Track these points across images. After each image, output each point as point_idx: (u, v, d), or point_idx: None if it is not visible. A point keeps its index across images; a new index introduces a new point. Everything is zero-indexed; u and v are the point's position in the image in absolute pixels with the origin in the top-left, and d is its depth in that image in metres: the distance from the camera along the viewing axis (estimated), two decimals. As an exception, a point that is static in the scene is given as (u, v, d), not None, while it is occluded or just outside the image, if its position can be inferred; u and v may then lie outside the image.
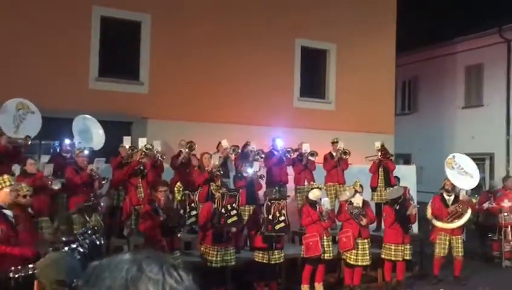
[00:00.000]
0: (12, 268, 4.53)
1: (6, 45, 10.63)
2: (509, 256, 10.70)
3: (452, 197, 9.46)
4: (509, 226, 10.57)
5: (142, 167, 8.46)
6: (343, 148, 10.20)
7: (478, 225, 11.62)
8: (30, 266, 4.33)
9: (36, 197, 6.24)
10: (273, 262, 7.96)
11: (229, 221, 7.59)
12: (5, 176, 5.54)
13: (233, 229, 7.80)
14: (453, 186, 9.60)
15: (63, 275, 2.91)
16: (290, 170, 10.10)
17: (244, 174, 9.01)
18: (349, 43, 14.41)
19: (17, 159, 7.99)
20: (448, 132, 18.54)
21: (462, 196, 9.44)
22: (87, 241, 5.59)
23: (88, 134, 9.32)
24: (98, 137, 9.41)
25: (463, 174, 9.83)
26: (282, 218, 7.93)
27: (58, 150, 8.99)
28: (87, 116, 9.50)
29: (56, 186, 7.48)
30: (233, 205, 7.68)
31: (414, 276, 9.78)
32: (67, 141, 8.79)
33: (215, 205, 7.75)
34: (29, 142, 8.23)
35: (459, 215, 9.23)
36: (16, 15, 10.80)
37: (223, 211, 7.59)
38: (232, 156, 9.56)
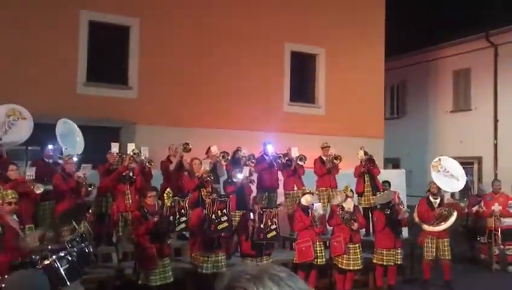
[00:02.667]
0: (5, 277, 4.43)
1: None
2: (498, 259, 10.75)
3: (438, 200, 9.51)
4: (499, 230, 10.63)
5: (131, 173, 8.35)
6: (334, 153, 10.19)
7: (467, 228, 11.68)
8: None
9: (20, 203, 6.11)
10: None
11: (219, 227, 7.52)
12: None
13: (223, 234, 7.72)
14: (439, 189, 9.65)
15: None
16: (280, 175, 10.06)
17: (234, 180, 8.95)
18: (338, 48, 14.45)
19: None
20: (437, 135, 18.67)
21: (447, 199, 9.49)
22: (76, 249, 5.49)
23: (71, 138, 9.16)
24: (78, 142, 9.26)
25: (449, 177, 9.88)
26: (274, 226, 7.88)
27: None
28: (68, 120, 9.34)
29: (38, 190, 7.35)
30: (224, 211, 7.60)
31: (405, 280, 9.78)
32: (50, 146, 8.64)
33: (206, 211, 7.68)
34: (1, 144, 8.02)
35: (445, 218, 9.27)
36: (2, 19, 10.65)
37: (213, 217, 7.52)
38: (222, 162, 9.49)
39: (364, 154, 10.29)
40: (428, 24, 18.54)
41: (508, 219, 10.72)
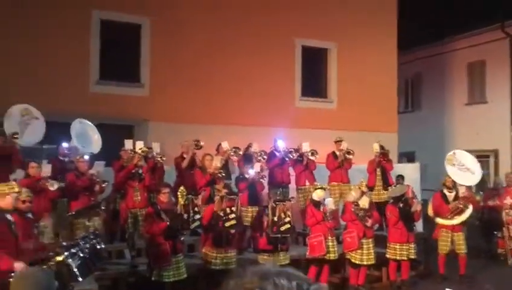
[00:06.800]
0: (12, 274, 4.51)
1: (6, 48, 10.62)
2: (514, 254, 10.58)
3: (453, 194, 9.43)
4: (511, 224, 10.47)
5: (139, 171, 8.42)
6: (346, 148, 10.15)
7: (483, 222, 11.54)
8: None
9: (36, 200, 6.21)
10: (278, 264, 7.91)
11: (227, 224, 7.52)
12: (13, 183, 5.54)
13: (232, 231, 7.73)
14: (454, 183, 9.56)
15: None
16: (291, 171, 10.04)
17: (246, 176, 8.97)
18: (350, 41, 14.34)
19: (17, 161, 7.94)
20: (452, 129, 18.44)
21: (462, 192, 9.39)
22: (88, 245, 5.56)
23: (87, 137, 9.28)
24: (95, 141, 9.37)
25: (464, 171, 9.79)
26: (288, 219, 7.90)
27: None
28: (83, 120, 9.46)
29: (52, 187, 7.46)
30: (232, 208, 7.61)
31: (419, 275, 9.71)
32: (64, 145, 8.75)
33: (215, 208, 7.71)
34: (15, 139, 8.11)
35: (460, 212, 9.18)
36: (16, 18, 10.79)
37: (221, 214, 7.54)
38: (234, 158, 9.50)
39: (380, 148, 10.22)
40: (442, 16, 18.30)
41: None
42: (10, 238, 5.21)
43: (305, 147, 9.86)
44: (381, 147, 10.28)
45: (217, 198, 7.75)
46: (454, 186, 9.54)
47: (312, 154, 9.79)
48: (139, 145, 8.73)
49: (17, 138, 8.08)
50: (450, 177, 9.55)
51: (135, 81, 12.22)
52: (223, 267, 7.55)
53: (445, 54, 19.08)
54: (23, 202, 5.83)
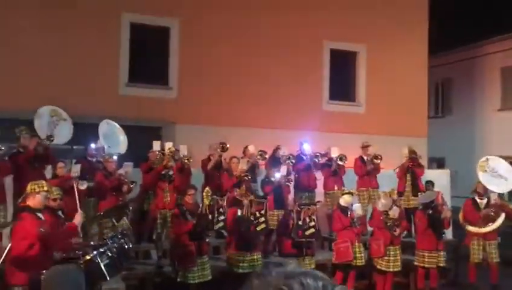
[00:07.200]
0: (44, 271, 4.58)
1: (37, 51, 10.87)
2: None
3: (485, 201, 9.18)
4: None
5: (169, 172, 8.49)
6: (374, 153, 10.01)
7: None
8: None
9: (64, 200, 6.32)
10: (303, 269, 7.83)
11: (258, 228, 7.56)
12: (43, 182, 5.65)
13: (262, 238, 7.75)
14: (486, 190, 9.32)
15: (67, 288, 2.89)
16: (318, 175, 9.94)
17: (272, 179, 8.93)
18: (379, 44, 14.15)
19: (49, 162, 8.13)
20: (483, 135, 17.99)
21: (494, 199, 9.13)
22: (116, 245, 5.61)
23: (113, 138, 9.41)
24: (121, 141, 9.50)
25: (497, 178, 9.53)
26: (313, 223, 7.85)
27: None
28: (110, 121, 9.60)
29: (82, 186, 7.58)
30: (261, 211, 7.63)
31: (448, 283, 9.48)
32: (92, 145, 8.90)
33: (243, 212, 7.70)
34: (51, 142, 8.32)
35: (492, 219, 8.93)
36: (47, 22, 11.04)
37: (251, 218, 7.55)
38: (260, 161, 9.48)
39: (410, 153, 10.02)
40: (474, 18, 17.88)
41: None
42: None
43: (334, 152, 9.77)
44: (412, 152, 10.07)
45: (246, 202, 7.75)
46: (485, 193, 9.29)
47: (341, 159, 9.69)
48: (168, 145, 8.82)
49: (52, 140, 8.28)
50: (481, 184, 9.31)
51: (163, 84, 12.35)
52: (250, 271, 7.53)
53: (478, 58, 18.64)
54: (54, 200, 5.95)
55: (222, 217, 8.80)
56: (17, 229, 5.31)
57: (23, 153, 7.96)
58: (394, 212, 8.25)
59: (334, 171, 9.74)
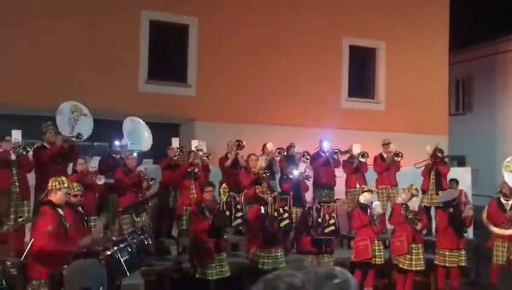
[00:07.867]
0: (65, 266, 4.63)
1: (59, 49, 10.99)
2: None
3: (510, 202, 8.98)
4: None
5: (195, 169, 8.55)
6: (395, 150, 9.90)
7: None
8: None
9: (84, 195, 6.37)
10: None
11: (282, 224, 7.61)
12: (63, 178, 5.70)
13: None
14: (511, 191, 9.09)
15: (89, 283, 2.92)
16: (337, 173, 9.88)
17: (290, 176, 8.90)
18: (399, 41, 13.98)
19: (72, 158, 8.22)
20: (505, 133, 17.65)
21: None
22: (136, 241, 5.64)
23: (137, 135, 9.48)
24: (146, 138, 9.56)
25: (523, 179, 9.28)
26: (332, 221, 7.81)
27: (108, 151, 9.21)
28: (135, 118, 9.68)
29: (100, 181, 7.65)
30: (285, 208, 7.66)
31: (469, 283, 9.34)
32: (117, 142, 8.97)
33: (268, 209, 7.71)
34: (80, 141, 8.42)
35: (517, 221, 8.73)
36: (69, 21, 11.15)
37: (275, 214, 7.57)
38: (277, 158, 9.47)
39: (435, 151, 9.86)
40: (497, 13, 17.54)
41: None
42: (61, 232, 5.38)
43: (356, 149, 9.69)
44: (437, 150, 9.92)
45: (270, 199, 7.77)
46: (511, 193, 9.07)
47: (363, 156, 9.62)
48: (195, 143, 8.87)
49: (81, 138, 8.37)
50: (507, 184, 9.09)
51: (182, 81, 12.39)
52: (273, 267, 7.52)
53: (499, 55, 18.29)
54: (75, 196, 6.01)
55: (240, 214, 8.82)
56: (38, 224, 5.38)
57: (49, 149, 8.06)
58: (414, 204, 8.13)
59: (356, 168, 9.67)
